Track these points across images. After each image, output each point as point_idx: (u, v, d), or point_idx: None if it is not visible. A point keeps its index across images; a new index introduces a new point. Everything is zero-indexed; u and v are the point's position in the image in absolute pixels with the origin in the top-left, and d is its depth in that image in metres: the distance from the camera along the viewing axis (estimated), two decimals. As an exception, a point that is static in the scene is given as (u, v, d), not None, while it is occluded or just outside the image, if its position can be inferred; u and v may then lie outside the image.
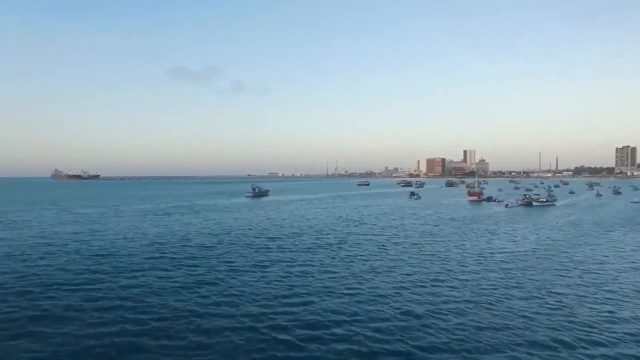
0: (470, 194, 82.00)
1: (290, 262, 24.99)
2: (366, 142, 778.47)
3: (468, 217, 51.03)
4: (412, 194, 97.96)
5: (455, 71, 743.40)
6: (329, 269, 23.15)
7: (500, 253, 27.88)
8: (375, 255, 26.94)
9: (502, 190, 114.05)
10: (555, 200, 73.84)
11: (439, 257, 26.54)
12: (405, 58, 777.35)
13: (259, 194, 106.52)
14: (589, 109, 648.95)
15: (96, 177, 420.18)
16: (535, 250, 29.14)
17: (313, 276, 21.50)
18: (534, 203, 67.63)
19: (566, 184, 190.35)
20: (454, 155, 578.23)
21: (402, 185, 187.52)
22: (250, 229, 39.56)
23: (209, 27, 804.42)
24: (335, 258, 26.21)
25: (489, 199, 78.00)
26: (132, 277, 21.11)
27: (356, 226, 42.25)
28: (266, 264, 24.35)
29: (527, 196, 71.38)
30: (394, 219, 48.70)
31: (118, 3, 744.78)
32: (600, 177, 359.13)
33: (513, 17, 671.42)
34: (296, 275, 21.57)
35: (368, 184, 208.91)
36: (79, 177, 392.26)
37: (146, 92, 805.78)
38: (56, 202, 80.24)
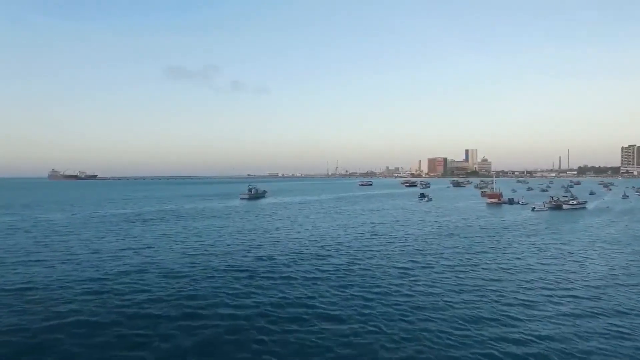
0: (488, 196, 73.73)
1: (279, 303, 17.09)
2: (367, 142, 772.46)
3: (497, 225, 43.07)
4: (422, 195, 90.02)
5: (457, 70, 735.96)
6: (333, 319, 15.23)
7: (575, 287, 19.89)
8: (400, 290, 19.02)
9: (515, 191, 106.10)
10: (586, 202, 65.78)
11: (491, 293, 18.58)
12: (406, 57, 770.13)
13: (255, 195, 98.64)
14: (592, 108, 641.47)
15: (94, 177, 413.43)
16: (616, 280, 21.14)
17: (310, 335, 13.59)
18: (564, 206, 59.65)
19: (578, 183, 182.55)
20: (456, 155, 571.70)
21: (407, 186, 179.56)
22: (236, 245, 31.70)
23: (206, 26, 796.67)
24: (343, 295, 18.33)
25: (511, 202, 69.93)
26: (35, 347, 13.20)
27: (367, 239, 34.33)
28: (245, 307, 16.46)
29: (554, 198, 63.35)
30: (412, 228, 40.64)
31: (114, 3, 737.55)
32: (605, 176, 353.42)
33: (517, 15, 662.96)
34: (284, 339, 13.64)
35: (371, 184, 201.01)
36: (75, 177, 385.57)
37: (145, 91, 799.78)
38: (29, 206, 72.43)
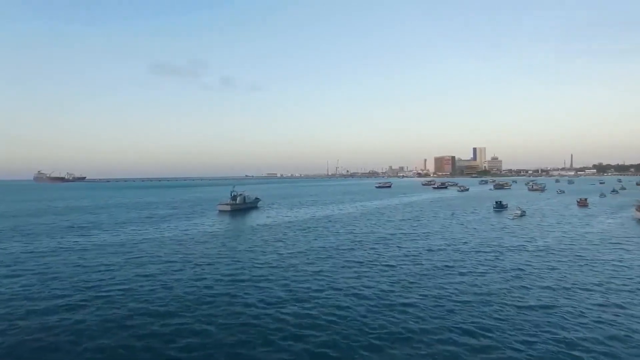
0: None
1: None
2: (368, 141, 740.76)
3: None
4: (500, 205, 57.88)
5: (462, 68, 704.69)
6: None
7: None
8: None
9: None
10: None
11: None
12: (408, 55, 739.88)
13: (242, 206, 66.31)
14: (598, 106, 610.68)
15: (82, 179, 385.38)
16: None
17: None
18: None
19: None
20: (463, 154, 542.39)
21: (434, 188, 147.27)
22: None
23: (196, 23, 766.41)
24: None
25: None
26: None
27: None
28: None
29: None
30: None
31: (104, 2, 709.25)
32: (630, 174, 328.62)
33: (523, 13, 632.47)
34: None
35: (390, 186, 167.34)
36: (62, 179, 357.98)
37: (138, 91, 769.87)
38: None
